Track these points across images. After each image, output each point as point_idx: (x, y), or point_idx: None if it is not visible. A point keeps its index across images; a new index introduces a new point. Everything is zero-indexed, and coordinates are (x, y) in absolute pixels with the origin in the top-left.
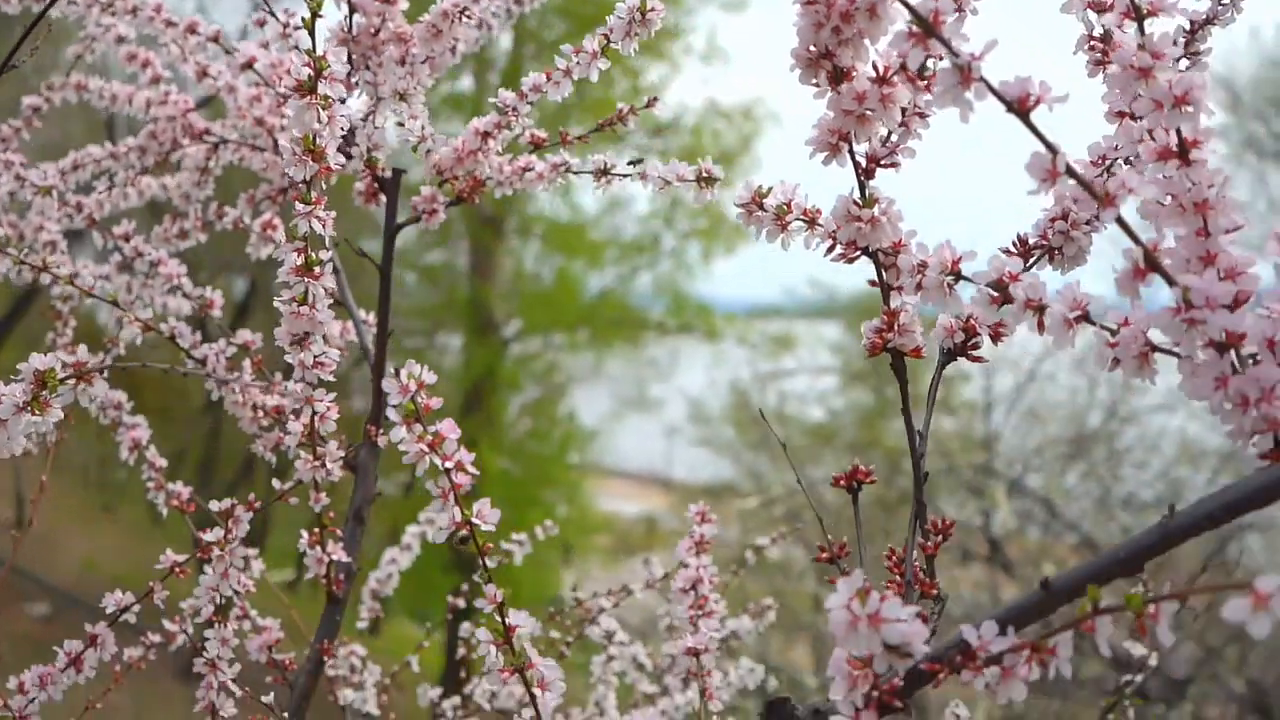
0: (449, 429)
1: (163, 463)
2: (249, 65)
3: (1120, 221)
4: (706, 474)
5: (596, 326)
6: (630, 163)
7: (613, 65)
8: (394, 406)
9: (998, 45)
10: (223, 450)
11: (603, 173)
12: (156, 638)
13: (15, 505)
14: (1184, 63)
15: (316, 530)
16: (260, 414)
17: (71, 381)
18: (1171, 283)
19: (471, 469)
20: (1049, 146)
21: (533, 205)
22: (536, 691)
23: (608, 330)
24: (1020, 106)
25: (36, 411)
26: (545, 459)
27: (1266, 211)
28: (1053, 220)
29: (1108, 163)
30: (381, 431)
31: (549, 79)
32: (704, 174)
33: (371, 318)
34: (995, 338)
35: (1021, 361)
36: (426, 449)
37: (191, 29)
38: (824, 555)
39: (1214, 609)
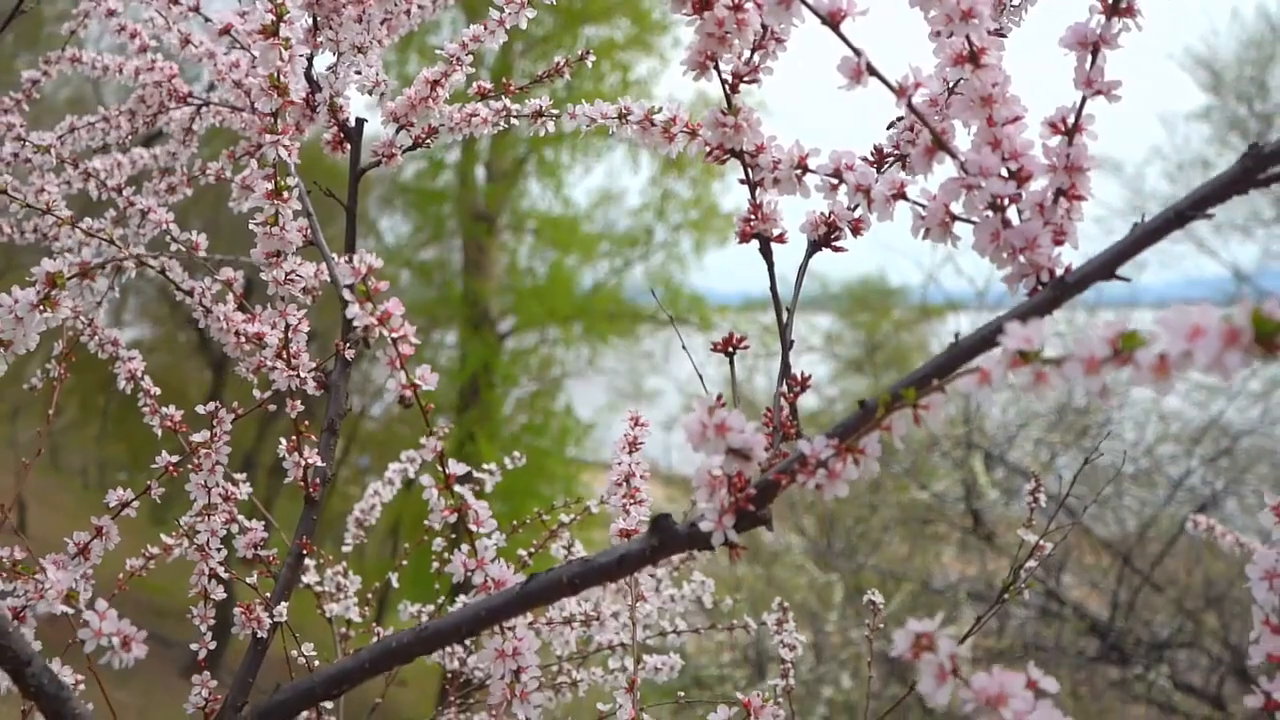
0: (395, 306)
1: (157, 391)
2: (226, 31)
3: (913, 110)
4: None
5: (590, 320)
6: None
7: (602, 60)
8: (346, 287)
9: None
10: None
11: (538, 114)
12: (155, 549)
13: (17, 509)
14: None
15: (294, 438)
16: (243, 340)
17: (77, 279)
18: (954, 157)
19: (414, 339)
20: (855, 51)
21: (525, 201)
22: (473, 527)
23: (602, 324)
24: (832, 19)
25: (47, 308)
26: (542, 453)
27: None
28: (903, 131)
29: (949, 82)
30: (350, 348)
31: (486, 28)
32: (623, 112)
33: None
34: (855, 231)
35: None
36: (376, 323)
37: None
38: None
39: (1194, 575)
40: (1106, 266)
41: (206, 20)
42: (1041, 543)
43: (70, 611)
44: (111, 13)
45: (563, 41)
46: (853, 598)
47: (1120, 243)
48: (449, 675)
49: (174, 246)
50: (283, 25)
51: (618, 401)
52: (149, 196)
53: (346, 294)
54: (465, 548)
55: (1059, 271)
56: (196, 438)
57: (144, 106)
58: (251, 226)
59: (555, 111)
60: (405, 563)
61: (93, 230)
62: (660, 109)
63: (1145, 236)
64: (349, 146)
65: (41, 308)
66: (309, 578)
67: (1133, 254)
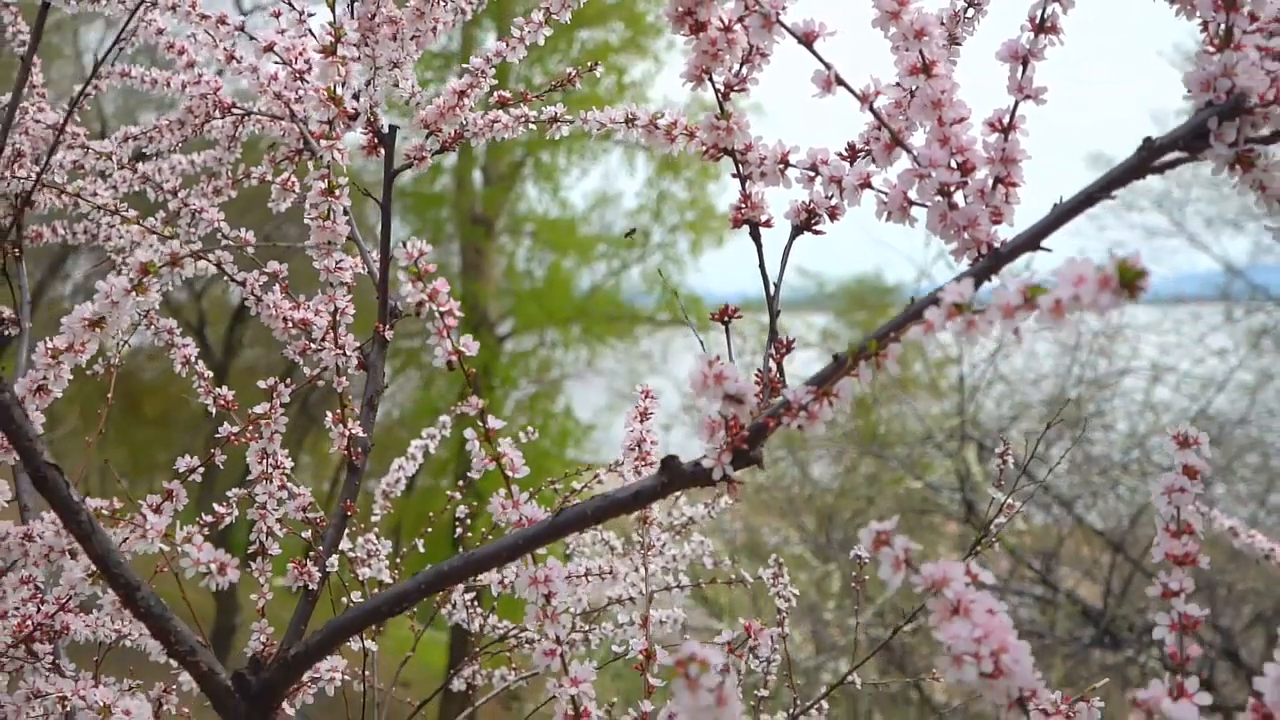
0: (442, 285)
1: (210, 374)
2: (270, 48)
3: (874, 113)
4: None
5: (589, 322)
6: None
7: (597, 63)
8: (403, 268)
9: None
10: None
11: (554, 120)
12: (209, 517)
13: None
14: (971, 11)
15: (339, 410)
16: (289, 325)
17: (168, 267)
18: (909, 152)
19: (458, 313)
20: (825, 65)
21: (523, 203)
22: (509, 473)
23: (600, 325)
24: (807, 39)
25: (139, 294)
26: (543, 454)
27: (1243, 185)
28: (870, 130)
29: (907, 90)
30: (389, 328)
31: (508, 45)
32: (630, 117)
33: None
34: (832, 216)
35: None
36: (427, 299)
37: (221, 20)
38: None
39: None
40: (1033, 240)
41: (251, 39)
42: (1010, 502)
43: (167, 549)
44: (160, 31)
45: (558, 45)
46: (850, 588)
47: (1043, 220)
48: (472, 635)
49: (224, 243)
50: (340, 46)
51: (617, 402)
52: (199, 198)
53: (401, 275)
54: (502, 491)
55: (996, 245)
56: (256, 410)
57: (192, 117)
58: (306, 220)
59: (569, 118)
60: (430, 529)
61: (151, 229)
62: (663, 114)
63: (1063, 214)
64: (383, 151)
65: (134, 293)
66: (342, 544)
67: (1053, 229)
